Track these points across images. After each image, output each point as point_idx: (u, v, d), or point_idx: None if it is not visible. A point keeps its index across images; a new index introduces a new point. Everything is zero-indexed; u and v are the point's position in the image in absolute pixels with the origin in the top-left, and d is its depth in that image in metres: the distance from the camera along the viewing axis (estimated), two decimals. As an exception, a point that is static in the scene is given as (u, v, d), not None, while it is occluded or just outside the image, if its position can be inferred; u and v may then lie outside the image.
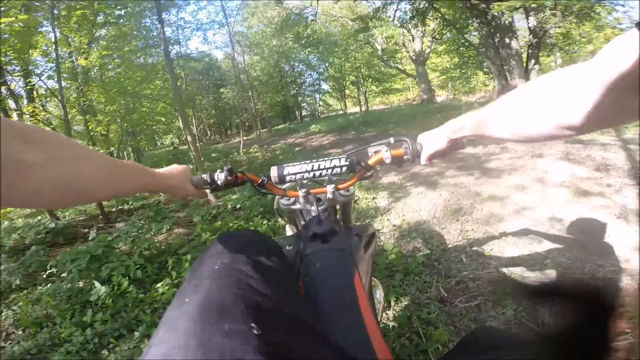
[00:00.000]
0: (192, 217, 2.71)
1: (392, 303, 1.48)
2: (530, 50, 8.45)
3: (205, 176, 0.69)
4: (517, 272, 1.59)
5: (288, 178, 0.72)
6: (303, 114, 24.29)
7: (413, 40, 14.20)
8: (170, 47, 6.23)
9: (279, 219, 2.35)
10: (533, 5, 6.56)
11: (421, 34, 13.76)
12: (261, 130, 16.62)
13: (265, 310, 0.40)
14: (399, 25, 13.02)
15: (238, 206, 2.71)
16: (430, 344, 1.22)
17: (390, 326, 1.34)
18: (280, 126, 19.47)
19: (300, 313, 0.45)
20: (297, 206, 0.80)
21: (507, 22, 7.84)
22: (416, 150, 0.66)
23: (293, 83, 20.08)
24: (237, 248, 0.49)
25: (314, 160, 0.72)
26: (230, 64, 13.09)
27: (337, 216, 0.89)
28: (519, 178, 2.86)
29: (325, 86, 22.75)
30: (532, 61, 8.39)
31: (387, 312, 1.44)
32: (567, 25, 7.82)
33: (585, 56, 17.23)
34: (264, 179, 0.72)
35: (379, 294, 1.15)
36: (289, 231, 0.96)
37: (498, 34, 7.95)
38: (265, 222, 2.37)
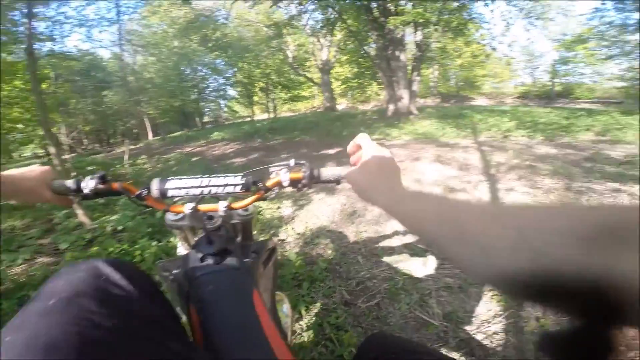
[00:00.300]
0: (58, 245, 2.23)
1: (303, 313, 1.47)
2: (414, 63, 9.79)
3: (70, 182, 0.59)
4: (405, 268, 1.76)
5: (170, 193, 0.63)
6: (205, 121, 22.86)
7: (322, 49, 14.93)
8: (42, 43, 5.22)
9: (172, 239, 2.13)
10: (421, 20, 7.54)
11: (329, 44, 14.62)
12: (153, 138, 14.99)
13: (110, 345, 0.34)
14: (310, 33, 13.61)
15: (120, 228, 2.34)
16: (343, 348, 1.24)
17: (306, 336, 1.32)
18: (177, 133, 17.82)
19: (168, 342, 0.41)
20: (186, 223, 0.72)
21: (399, 35, 8.91)
22: (314, 175, 0.65)
23: (194, 87, 18.73)
24: (82, 280, 0.42)
25: (204, 176, 0.64)
26: (118, 65, 11.50)
27: (237, 235, 0.84)
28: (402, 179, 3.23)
29: (232, 92, 21.94)
30: (415, 73, 9.74)
31: (301, 322, 1.41)
32: (445, 40, 9.31)
33: (455, 69, 20.64)
34: (142, 192, 0.62)
35: (286, 307, 1.12)
36: (182, 249, 0.86)
37: (391, 47, 8.97)
38: (154, 243, 2.09)
